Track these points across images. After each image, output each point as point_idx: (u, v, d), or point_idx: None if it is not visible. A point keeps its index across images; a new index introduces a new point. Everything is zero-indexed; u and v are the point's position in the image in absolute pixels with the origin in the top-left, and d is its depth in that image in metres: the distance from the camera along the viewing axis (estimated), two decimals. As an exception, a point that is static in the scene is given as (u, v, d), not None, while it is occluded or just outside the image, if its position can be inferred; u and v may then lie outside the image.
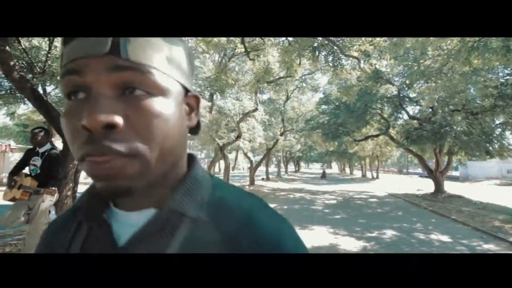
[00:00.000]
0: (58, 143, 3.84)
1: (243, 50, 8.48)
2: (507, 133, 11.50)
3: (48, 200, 3.29)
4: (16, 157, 14.39)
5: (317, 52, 7.40)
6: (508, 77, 10.09)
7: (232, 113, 13.22)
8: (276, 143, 18.99)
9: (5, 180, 12.55)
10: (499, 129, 11.58)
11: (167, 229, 0.36)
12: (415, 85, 11.94)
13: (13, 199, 3.22)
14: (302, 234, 5.72)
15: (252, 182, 16.68)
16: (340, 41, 7.02)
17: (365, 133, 15.85)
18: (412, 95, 13.14)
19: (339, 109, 14.54)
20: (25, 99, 6.59)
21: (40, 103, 3.66)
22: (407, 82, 11.47)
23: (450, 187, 14.63)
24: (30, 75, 5.08)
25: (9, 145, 15.75)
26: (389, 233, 5.97)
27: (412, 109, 14.30)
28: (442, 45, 8.03)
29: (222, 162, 17.01)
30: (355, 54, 7.17)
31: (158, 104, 0.33)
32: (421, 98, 12.60)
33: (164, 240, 0.35)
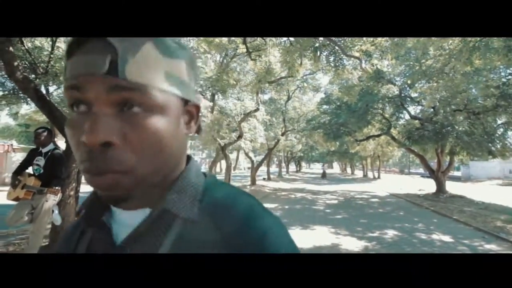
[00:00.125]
0: (60, 143, 3.86)
1: (244, 50, 8.49)
2: (510, 133, 11.48)
3: (51, 200, 3.31)
4: (19, 157, 14.45)
5: (318, 52, 7.41)
6: (510, 76, 10.07)
7: (234, 113, 13.23)
8: (278, 143, 19.00)
9: (7, 180, 12.56)
10: (501, 129, 11.55)
11: (159, 229, 0.37)
12: (416, 85, 11.92)
13: (16, 199, 3.25)
14: (304, 234, 5.73)
15: (253, 182, 16.69)
16: (342, 41, 7.02)
17: (366, 133, 15.83)
18: (413, 95, 13.12)
19: (341, 109, 14.53)
20: (28, 99, 6.63)
21: (43, 103, 3.68)
22: (409, 82, 11.45)
23: (452, 187, 14.59)
24: (33, 76, 5.10)
25: (12, 145, 15.82)
26: (390, 233, 5.97)
27: (413, 109, 14.29)
28: (443, 45, 8.02)
29: (223, 162, 17.01)
30: (357, 54, 7.17)
31: (155, 121, 0.34)
32: (423, 98, 12.58)
33: (157, 239, 0.37)
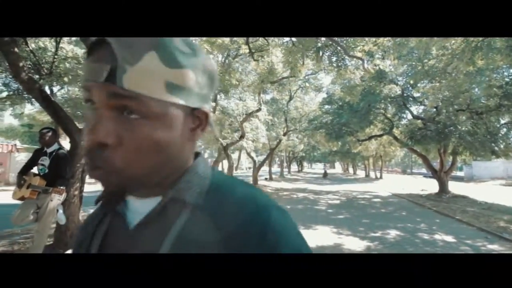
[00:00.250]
0: (65, 143, 3.89)
1: (247, 51, 8.51)
2: (513, 132, 11.42)
3: (56, 199, 3.34)
4: (22, 157, 14.55)
5: (321, 53, 7.41)
6: (513, 76, 10.02)
7: (236, 113, 13.26)
8: (279, 143, 19.00)
9: (11, 180, 12.66)
10: (505, 129, 11.50)
11: (169, 215, 0.40)
12: (419, 85, 11.89)
13: (22, 198, 3.28)
14: (306, 234, 5.73)
15: (255, 182, 16.70)
16: (344, 41, 7.03)
17: (368, 133, 15.79)
18: (416, 94, 13.09)
19: (343, 109, 14.51)
20: (32, 99, 6.69)
21: (48, 103, 3.72)
22: (411, 82, 11.42)
23: (454, 187, 14.54)
24: (37, 76, 5.15)
25: (15, 145, 15.95)
26: (393, 233, 5.96)
27: (416, 109, 14.26)
28: (446, 45, 8.00)
29: (225, 162, 17.03)
30: (359, 54, 7.17)
31: (151, 128, 0.37)
32: (425, 97, 12.55)
33: (166, 225, 0.40)
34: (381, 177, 28.54)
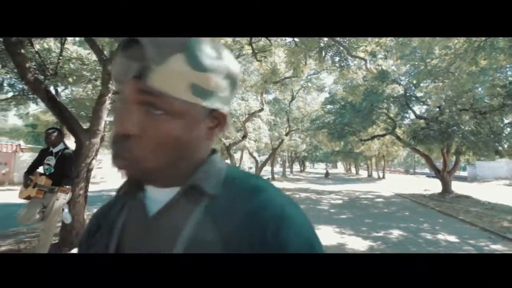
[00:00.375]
0: (69, 143, 3.93)
1: (249, 51, 8.52)
2: (517, 132, 11.34)
3: (62, 198, 3.39)
4: (26, 156, 14.67)
5: (323, 53, 7.42)
6: (516, 76, 9.96)
7: (238, 113, 13.28)
8: (282, 143, 19.01)
9: (16, 179, 12.73)
10: (508, 128, 11.42)
11: (187, 204, 0.43)
12: (422, 85, 11.85)
13: (28, 197, 3.32)
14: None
15: (257, 182, 16.69)
16: (347, 41, 7.03)
17: (371, 133, 15.75)
18: (419, 94, 13.04)
19: (345, 109, 14.48)
20: (36, 100, 6.76)
21: (54, 104, 3.76)
22: (414, 81, 11.38)
23: (458, 187, 14.47)
24: (42, 77, 5.20)
25: (19, 145, 16.08)
26: (395, 233, 5.96)
27: (419, 109, 14.20)
28: (449, 45, 7.97)
29: (228, 161, 17.03)
30: (362, 54, 7.17)
31: (172, 125, 0.40)
32: (428, 97, 12.50)
33: (185, 213, 0.42)
34: (383, 177, 28.46)
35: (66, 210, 3.60)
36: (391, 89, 12.14)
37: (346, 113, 14.14)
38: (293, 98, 17.60)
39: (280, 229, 0.39)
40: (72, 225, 3.94)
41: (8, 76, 6.48)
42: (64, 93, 7.79)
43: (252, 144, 15.40)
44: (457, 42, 7.48)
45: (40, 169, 3.53)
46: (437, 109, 11.92)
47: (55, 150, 3.48)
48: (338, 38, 6.74)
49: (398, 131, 14.22)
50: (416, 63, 10.94)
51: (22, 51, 3.49)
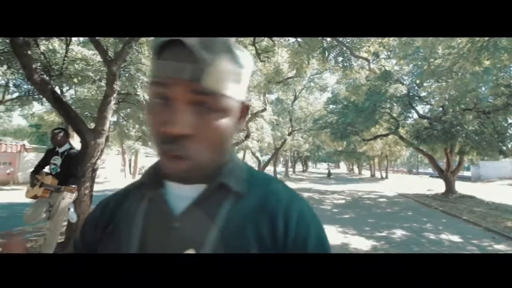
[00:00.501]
0: (75, 143, 3.97)
1: (253, 51, 8.53)
2: (521, 132, 11.27)
3: (68, 198, 3.43)
4: (31, 156, 14.79)
5: (326, 53, 7.42)
6: (521, 75, 9.90)
7: (241, 113, 13.27)
8: (284, 142, 19.01)
9: (21, 179, 12.80)
10: (513, 128, 11.36)
11: (215, 201, 0.45)
12: (425, 84, 11.80)
13: (35, 197, 3.37)
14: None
15: (260, 181, 16.70)
16: (349, 41, 7.02)
17: (374, 133, 15.70)
18: (422, 94, 12.98)
19: (348, 109, 14.45)
20: (42, 100, 6.83)
21: (60, 104, 3.80)
22: (417, 81, 11.33)
23: (461, 187, 14.41)
24: (47, 78, 5.26)
25: (24, 145, 16.21)
26: (399, 232, 5.96)
27: (422, 108, 14.15)
28: (452, 44, 7.94)
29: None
30: (365, 55, 7.16)
31: (221, 121, 0.42)
32: (432, 97, 12.44)
33: (213, 210, 0.44)
34: (386, 177, 28.36)
35: (72, 209, 3.64)
36: (394, 89, 12.10)
37: (349, 113, 14.11)
38: (295, 98, 17.60)
39: (300, 227, 0.43)
40: (77, 224, 3.97)
41: (14, 77, 6.57)
42: (68, 93, 7.86)
43: (255, 144, 15.42)
44: (461, 42, 7.45)
45: (46, 169, 3.57)
46: (441, 108, 11.87)
47: (61, 150, 3.53)
48: (341, 39, 6.74)
49: (401, 130, 14.17)
50: (420, 62, 10.89)
51: (29, 52, 3.54)
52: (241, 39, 7.73)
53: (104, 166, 16.17)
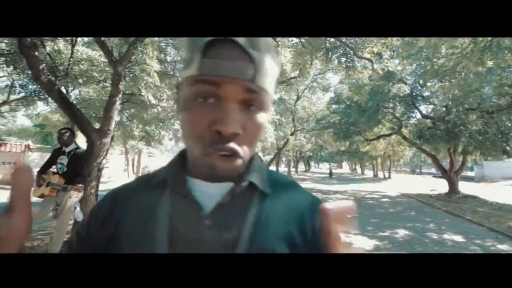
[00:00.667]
0: (80, 143, 4.02)
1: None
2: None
3: (74, 197, 3.48)
4: (35, 156, 14.92)
5: (330, 54, 7.43)
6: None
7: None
8: (287, 142, 19.02)
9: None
10: (516, 128, 11.29)
11: (243, 200, 0.45)
12: (428, 84, 11.76)
13: (42, 196, 3.42)
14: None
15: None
16: (353, 42, 7.03)
17: (377, 133, 15.68)
18: (425, 94, 12.94)
19: (351, 109, 14.45)
20: (47, 100, 6.90)
21: (66, 105, 3.86)
22: (420, 81, 11.30)
23: (465, 187, 14.34)
24: (53, 78, 5.32)
25: (28, 145, 16.35)
26: (401, 232, 5.96)
27: (425, 108, 14.09)
28: (455, 44, 7.91)
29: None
30: (368, 55, 7.16)
31: (263, 118, 0.44)
32: (435, 97, 12.40)
33: (242, 209, 0.44)
34: (389, 177, 28.27)
35: (78, 208, 3.69)
36: (397, 89, 12.07)
37: (351, 113, 14.10)
38: (298, 98, 17.62)
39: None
40: (83, 223, 4.03)
41: (19, 77, 6.64)
42: (73, 94, 7.93)
43: (257, 144, 15.44)
44: (464, 42, 7.43)
45: (53, 169, 3.63)
46: (444, 108, 11.82)
47: (67, 149, 3.58)
48: (344, 39, 6.75)
49: (404, 130, 14.13)
50: (423, 62, 10.87)
51: (36, 53, 3.59)
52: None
53: (108, 165, 16.27)
